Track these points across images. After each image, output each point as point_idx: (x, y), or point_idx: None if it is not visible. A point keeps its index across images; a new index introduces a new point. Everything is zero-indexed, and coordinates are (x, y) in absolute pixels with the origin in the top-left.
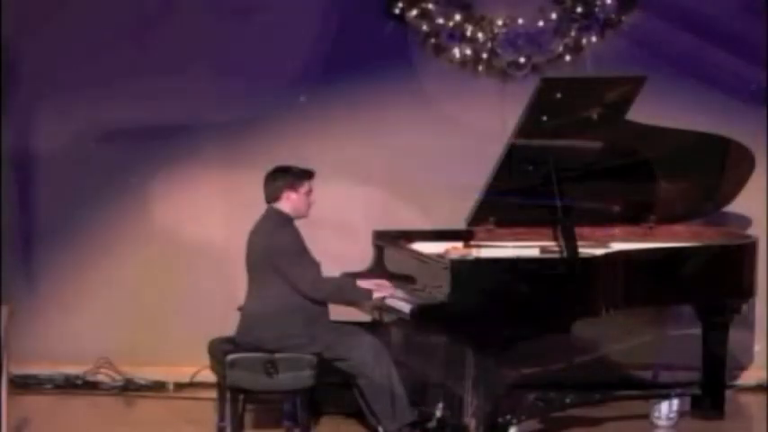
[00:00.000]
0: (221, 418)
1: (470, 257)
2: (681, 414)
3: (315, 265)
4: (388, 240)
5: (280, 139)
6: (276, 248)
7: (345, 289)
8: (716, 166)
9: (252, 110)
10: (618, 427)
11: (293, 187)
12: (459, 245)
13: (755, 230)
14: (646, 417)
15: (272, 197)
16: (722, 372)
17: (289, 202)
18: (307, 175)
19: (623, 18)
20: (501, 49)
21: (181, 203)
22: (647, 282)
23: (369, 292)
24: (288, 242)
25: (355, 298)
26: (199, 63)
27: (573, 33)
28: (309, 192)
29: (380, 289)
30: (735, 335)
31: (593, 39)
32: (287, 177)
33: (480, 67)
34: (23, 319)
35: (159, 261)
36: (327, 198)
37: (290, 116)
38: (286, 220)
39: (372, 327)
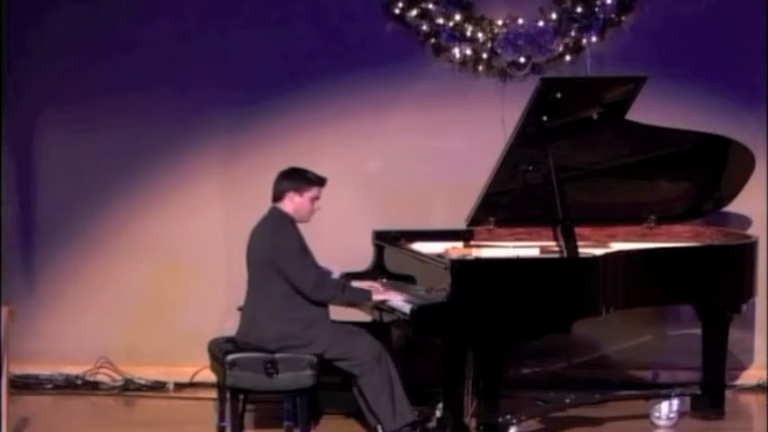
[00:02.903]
0: (221, 418)
1: (470, 257)
2: (681, 414)
3: (316, 267)
4: (388, 240)
5: (280, 140)
6: (277, 248)
7: (346, 290)
8: (716, 166)
9: (252, 111)
10: (618, 427)
11: (298, 190)
12: (459, 245)
13: (755, 230)
14: (646, 417)
15: (276, 196)
16: (722, 372)
17: (291, 204)
18: (316, 180)
19: (623, 18)
20: (501, 49)
21: (181, 204)
22: (647, 282)
23: (368, 293)
24: (289, 242)
25: (355, 299)
26: (198, 65)
27: (573, 33)
28: (315, 198)
29: (379, 291)
30: (735, 335)
31: (593, 39)
32: (294, 179)
33: (480, 67)
34: (23, 319)
35: (159, 261)
36: (327, 198)
37: (290, 117)
38: (287, 221)
39: (372, 327)
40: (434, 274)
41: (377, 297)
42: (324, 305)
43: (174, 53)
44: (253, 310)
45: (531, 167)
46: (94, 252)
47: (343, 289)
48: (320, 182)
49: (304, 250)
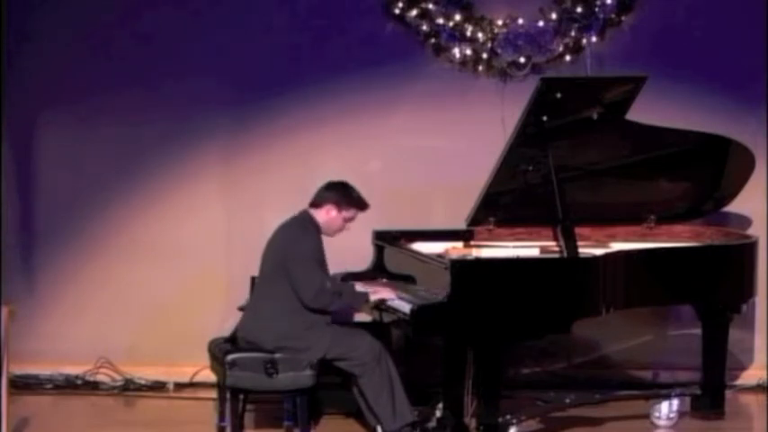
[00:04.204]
0: (221, 418)
1: (470, 257)
2: (681, 414)
3: (325, 278)
4: (388, 240)
5: (280, 140)
6: (291, 251)
7: (343, 295)
8: (716, 166)
9: (252, 111)
10: (618, 427)
11: (338, 206)
12: (459, 245)
13: (755, 230)
14: (646, 417)
15: (315, 203)
16: (722, 372)
17: (326, 216)
18: (359, 204)
19: (623, 18)
20: (501, 49)
21: (181, 204)
22: (647, 282)
23: (365, 295)
24: (307, 248)
25: (353, 303)
26: (198, 65)
27: (573, 33)
28: (350, 219)
29: (377, 291)
30: (735, 335)
31: (593, 39)
32: (339, 195)
33: (480, 67)
34: (23, 319)
35: (159, 261)
36: None
37: (290, 117)
38: (313, 228)
39: (372, 327)
40: (434, 274)
41: (373, 297)
42: (324, 311)
43: (174, 53)
44: (256, 306)
45: (531, 167)
46: (94, 252)
47: (339, 296)
48: (363, 206)
49: (318, 260)
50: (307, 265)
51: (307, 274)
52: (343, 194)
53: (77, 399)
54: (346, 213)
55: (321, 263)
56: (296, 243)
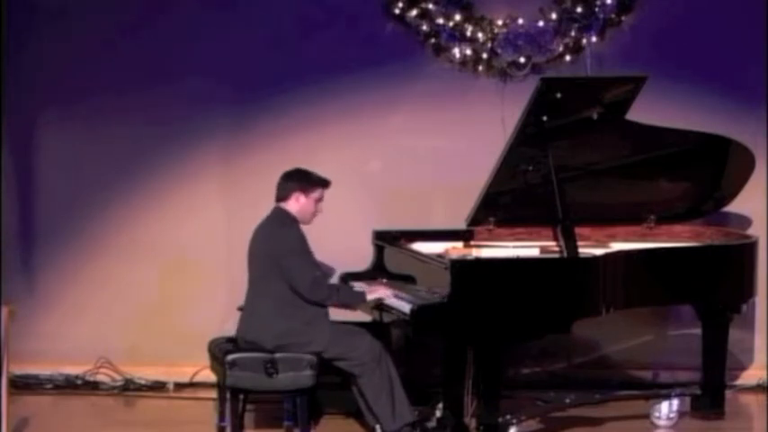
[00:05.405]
0: (221, 418)
1: (470, 257)
2: (681, 414)
3: (316, 268)
4: (388, 240)
5: (280, 140)
6: (279, 246)
7: (341, 291)
8: (716, 166)
9: (252, 110)
10: (618, 427)
11: (304, 190)
12: (459, 245)
13: (755, 230)
14: (646, 417)
15: (281, 196)
16: (722, 372)
17: (296, 205)
18: (321, 182)
19: (623, 18)
20: (501, 49)
21: (181, 204)
22: (647, 282)
23: (362, 294)
24: (291, 242)
25: (350, 300)
26: (198, 65)
27: (573, 33)
28: (319, 200)
29: (375, 290)
30: (735, 335)
31: (593, 39)
32: (301, 180)
33: (480, 67)
34: (23, 319)
35: (159, 261)
36: (328, 198)
37: (290, 117)
38: (291, 221)
39: (372, 327)
40: (434, 274)
41: (370, 297)
42: (321, 305)
43: (174, 53)
44: (253, 307)
45: (531, 167)
46: (94, 252)
47: (338, 290)
48: (325, 184)
49: (305, 250)
50: (298, 258)
51: (300, 267)
52: (303, 179)
53: (77, 399)
54: (314, 194)
55: (309, 253)
56: (281, 238)
